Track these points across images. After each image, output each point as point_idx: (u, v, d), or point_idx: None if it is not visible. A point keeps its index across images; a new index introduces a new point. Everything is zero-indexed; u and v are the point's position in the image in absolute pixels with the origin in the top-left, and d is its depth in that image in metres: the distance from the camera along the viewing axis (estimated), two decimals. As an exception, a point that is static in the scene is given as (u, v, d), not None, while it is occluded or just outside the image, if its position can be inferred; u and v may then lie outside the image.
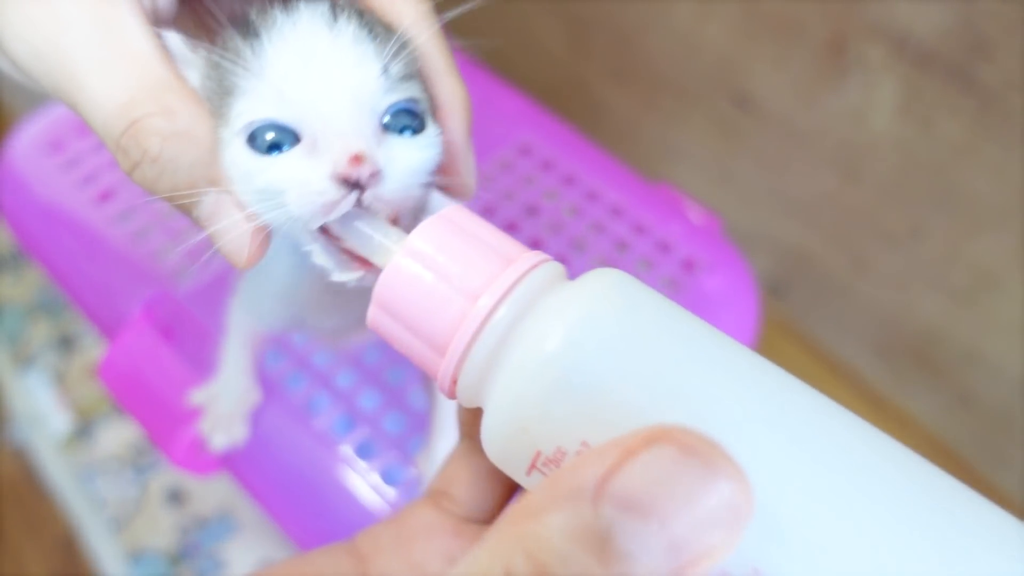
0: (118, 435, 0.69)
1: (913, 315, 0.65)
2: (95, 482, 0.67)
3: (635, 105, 0.74)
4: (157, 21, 0.26)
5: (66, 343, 0.76)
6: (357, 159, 0.22)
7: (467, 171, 0.27)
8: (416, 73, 0.25)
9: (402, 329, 0.20)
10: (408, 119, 0.24)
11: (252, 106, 0.23)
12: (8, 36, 0.25)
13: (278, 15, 0.24)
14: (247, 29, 0.25)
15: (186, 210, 0.25)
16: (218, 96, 0.24)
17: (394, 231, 0.22)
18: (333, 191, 0.22)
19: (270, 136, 0.23)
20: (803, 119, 0.62)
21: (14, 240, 0.67)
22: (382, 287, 0.20)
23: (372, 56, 0.24)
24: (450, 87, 0.26)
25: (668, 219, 0.53)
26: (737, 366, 0.18)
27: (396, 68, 0.24)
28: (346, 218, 0.23)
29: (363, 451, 0.43)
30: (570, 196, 0.54)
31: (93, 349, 0.75)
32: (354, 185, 0.22)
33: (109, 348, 0.46)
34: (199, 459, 0.42)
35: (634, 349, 0.18)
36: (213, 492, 0.66)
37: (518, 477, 0.19)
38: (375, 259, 0.22)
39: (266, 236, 0.24)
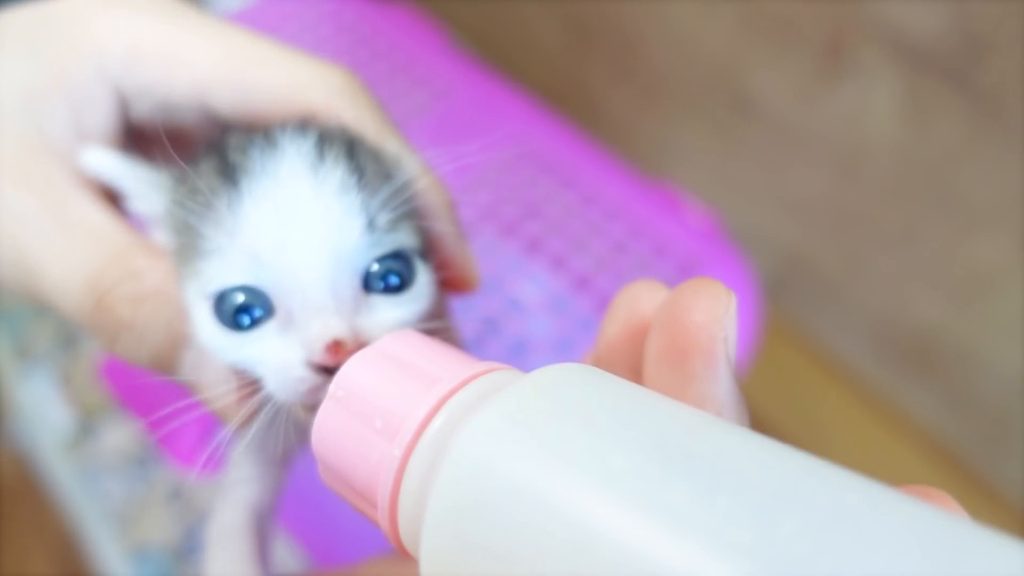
0: (122, 433, 0.70)
1: (910, 315, 0.65)
2: (99, 480, 0.67)
3: (634, 105, 0.75)
4: (86, 138, 0.24)
5: (70, 342, 0.76)
6: (336, 348, 0.20)
7: (465, 265, 0.26)
8: (408, 213, 0.23)
9: (341, 484, 0.18)
10: (394, 271, 0.22)
11: (223, 271, 0.21)
12: None
13: (259, 158, 0.22)
14: (223, 170, 0.22)
15: (171, 374, 0.23)
16: (185, 239, 0.22)
17: None
18: (312, 378, 0.20)
19: (240, 300, 0.21)
20: (801, 120, 0.63)
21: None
22: (316, 440, 0.19)
23: (358, 208, 0.21)
24: (435, 198, 0.24)
25: (667, 218, 0.54)
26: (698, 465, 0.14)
27: (384, 217, 0.22)
28: None
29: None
30: (569, 196, 0.55)
31: (97, 348, 0.75)
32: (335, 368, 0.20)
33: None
34: (202, 457, 0.42)
35: (562, 467, 0.14)
36: (217, 489, 0.67)
37: None
38: None
39: (256, 401, 0.22)
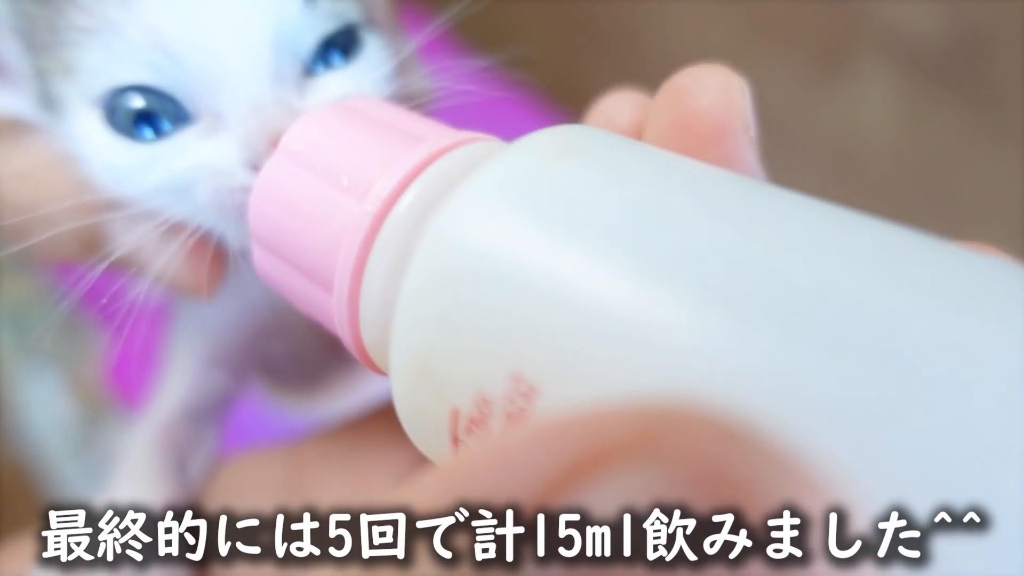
0: (124, 433, 0.70)
1: (910, 314, 0.65)
2: (100, 480, 0.67)
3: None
4: None
5: (75, 338, 0.76)
6: (279, 140, 0.15)
7: (413, 70, 0.20)
8: None
9: (285, 267, 0.14)
10: (338, 46, 0.17)
11: (115, 62, 0.15)
12: None
13: None
14: None
15: (100, 255, 0.17)
16: (44, 31, 0.16)
17: None
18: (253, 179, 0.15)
19: (139, 104, 0.16)
20: (799, 121, 0.63)
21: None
22: (254, 209, 0.15)
23: None
24: None
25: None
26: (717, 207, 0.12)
27: None
28: None
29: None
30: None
31: (101, 345, 0.76)
32: None
33: (116, 344, 0.46)
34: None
35: (577, 213, 0.12)
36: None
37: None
38: None
39: (206, 246, 0.17)
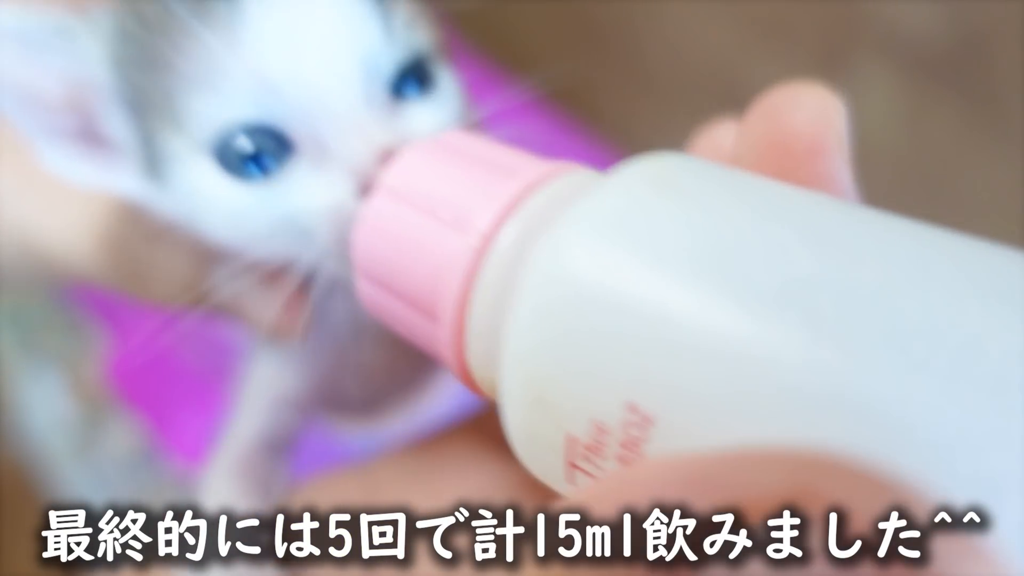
0: (127, 433, 0.70)
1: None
2: (101, 480, 0.67)
3: (633, 106, 0.75)
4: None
5: (75, 338, 0.76)
6: (387, 158, 0.16)
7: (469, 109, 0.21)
8: (421, 10, 0.19)
9: (391, 298, 0.15)
10: (420, 71, 0.19)
11: (224, 104, 0.16)
12: None
13: None
14: None
15: (208, 303, 0.19)
16: (150, 82, 0.17)
17: None
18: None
19: (255, 136, 0.17)
20: (801, 120, 0.63)
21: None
22: (358, 246, 0.15)
23: (372, 4, 0.17)
24: None
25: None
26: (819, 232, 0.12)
27: (401, 13, 0.18)
28: None
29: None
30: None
31: (102, 345, 0.76)
32: None
33: (118, 344, 0.46)
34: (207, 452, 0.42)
35: (683, 249, 0.12)
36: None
37: (560, 487, 0.13)
38: None
39: (301, 291, 0.18)
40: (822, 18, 0.57)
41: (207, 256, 0.19)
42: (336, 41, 0.17)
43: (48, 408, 0.72)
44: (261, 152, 0.17)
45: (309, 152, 0.17)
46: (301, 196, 0.17)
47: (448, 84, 0.19)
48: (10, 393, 0.74)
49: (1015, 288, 0.11)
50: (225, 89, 0.16)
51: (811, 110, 0.15)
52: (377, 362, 0.23)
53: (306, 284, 0.18)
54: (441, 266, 0.14)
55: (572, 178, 0.14)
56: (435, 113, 0.18)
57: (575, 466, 0.12)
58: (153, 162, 0.18)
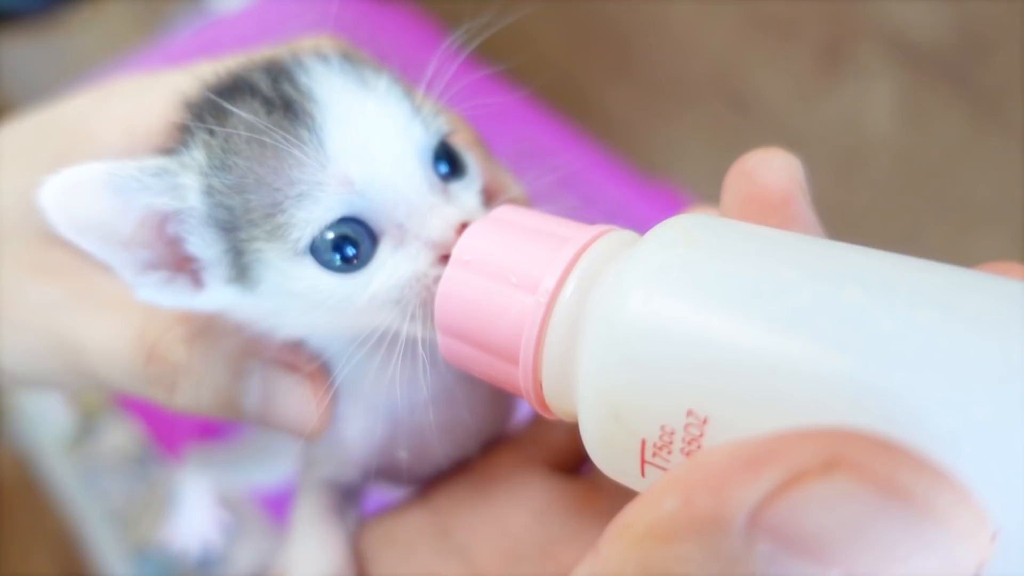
0: (122, 433, 0.70)
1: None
2: (99, 480, 0.67)
3: (634, 105, 0.75)
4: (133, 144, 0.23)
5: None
6: (461, 230, 0.20)
7: (508, 185, 0.26)
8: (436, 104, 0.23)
9: (471, 349, 0.19)
10: (452, 154, 0.23)
11: (320, 209, 0.20)
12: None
13: (312, 86, 0.21)
14: (276, 108, 0.20)
15: (236, 411, 0.22)
16: (247, 202, 0.20)
17: None
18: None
19: (349, 231, 0.20)
20: (801, 120, 0.63)
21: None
22: (439, 309, 0.19)
23: (409, 104, 0.22)
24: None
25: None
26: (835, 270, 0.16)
27: (427, 107, 0.22)
28: None
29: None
30: (569, 196, 0.55)
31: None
32: None
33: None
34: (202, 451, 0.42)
35: (715, 289, 0.15)
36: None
37: (636, 484, 0.17)
38: None
39: (330, 385, 0.22)
40: (824, 17, 0.57)
41: (240, 364, 0.22)
42: (396, 143, 0.21)
43: (43, 412, 0.72)
44: (356, 244, 0.20)
45: (390, 235, 0.21)
46: (391, 271, 0.20)
47: (469, 157, 0.23)
48: (9, 395, 0.74)
49: (959, 294, 0.15)
50: (322, 198, 0.20)
51: (779, 169, 0.19)
52: (420, 436, 0.25)
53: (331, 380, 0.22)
54: (517, 321, 0.18)
55: (612, 238, 0.19)
56: (471, 190, 0.22)
57: (648, 462, 0.16)
58: (242, 271, 0.21)
